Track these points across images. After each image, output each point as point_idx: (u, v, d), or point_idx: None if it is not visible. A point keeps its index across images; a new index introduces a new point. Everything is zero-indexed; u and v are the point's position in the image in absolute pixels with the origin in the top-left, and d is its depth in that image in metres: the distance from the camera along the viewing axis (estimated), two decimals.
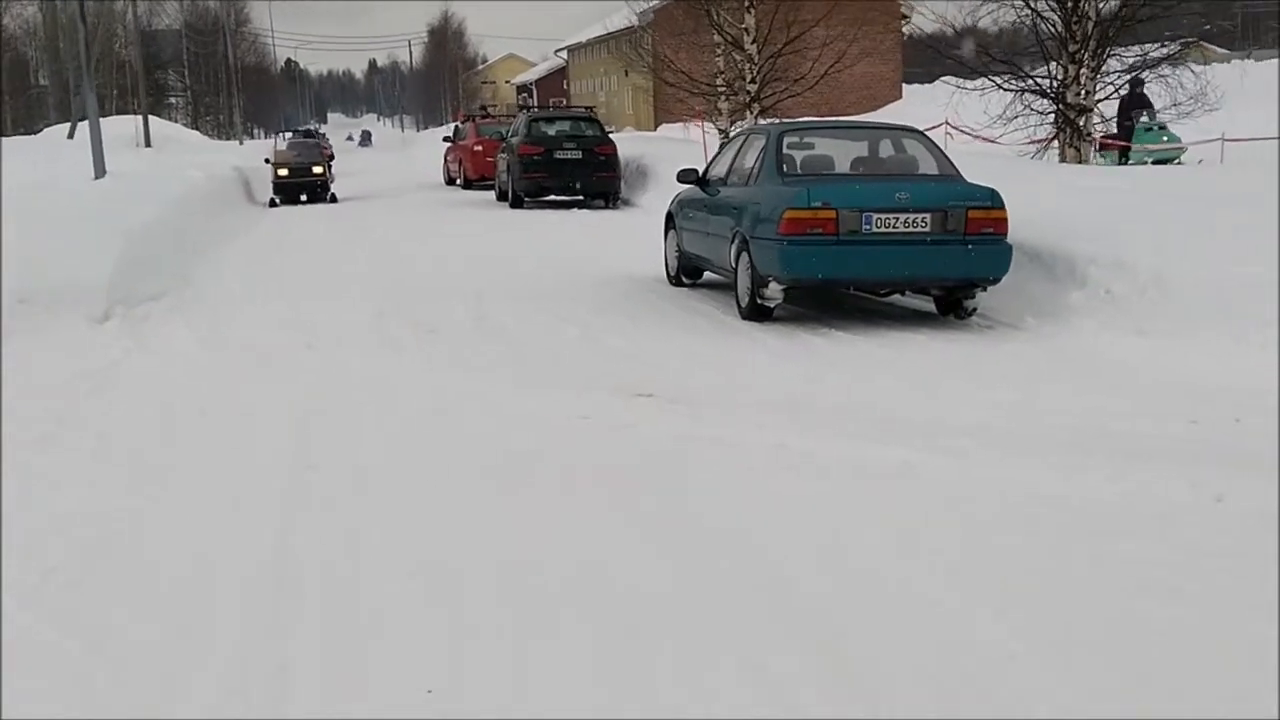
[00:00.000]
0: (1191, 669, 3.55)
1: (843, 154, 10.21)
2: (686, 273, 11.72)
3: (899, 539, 4.67)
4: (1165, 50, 18.58)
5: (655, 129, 46.74)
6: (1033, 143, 18.85)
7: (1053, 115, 18.28)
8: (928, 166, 9.85)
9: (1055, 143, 18.35)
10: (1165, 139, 19.56)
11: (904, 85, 57.46)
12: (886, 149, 10.36)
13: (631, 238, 15.85)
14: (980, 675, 3.53)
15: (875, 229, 8.97)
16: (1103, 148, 20.05)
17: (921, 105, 41.46)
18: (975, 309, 9.56)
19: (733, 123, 28.24)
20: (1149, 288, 8.85)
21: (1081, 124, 17.87)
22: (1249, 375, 7.41)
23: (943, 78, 53.14)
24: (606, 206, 21.38)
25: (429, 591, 4.16)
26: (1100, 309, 8.93)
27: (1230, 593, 4.11)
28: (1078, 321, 8.92)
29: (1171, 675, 3.51)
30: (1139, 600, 4.05)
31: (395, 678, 3.53)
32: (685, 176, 11.51)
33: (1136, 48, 18.74)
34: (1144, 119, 19.52)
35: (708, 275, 11.53)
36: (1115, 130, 19.75)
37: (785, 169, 9.77)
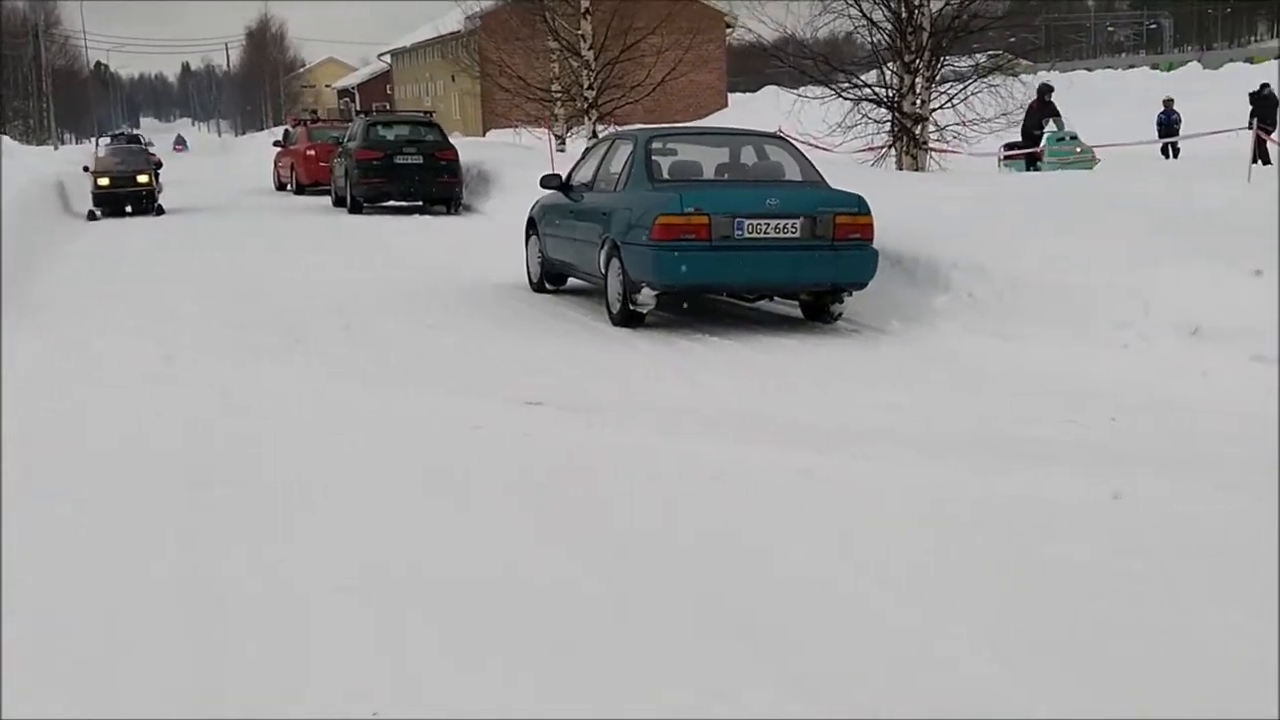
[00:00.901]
0: (1137, 664, 3.63)
1: (710, 160, 10.29)
2: (550, 279, 11.65)
3: (820, 543, 4.70)
4: (994, 61, 19.19)
5: (484, 134, 46.44)
6: (869, 150, 19.24)
7: (889, 124, 18.72)
8: (793, 172, 9.98)
9: (892, 150, 18.77)
10: (1079, 149, 20.01)
11: (729, 94, 58.28)
12: (751, 155, 10.46)
13: (482, 244, 15.73)
14: (923, 676, 3.55)
15: (747, 234, 9.05)
16: (1008, 157, 20.42)
17: (747, 113, 42.10)
18: (841, 314, 9.72)
19: (569, 129, 28.32)
20: (1006, 291, 9.10)
21: (917, 132, 18.34)
22: (1108, 375, 7.69)
23: (768, 86, 54.27)
24: (448, 212, 21.13)
25: (349, 610, 4.00)
26: (963, 312, 9.16)
27: (1152, 586, 4.23)
28: (942, 325, 9.14)
29: (1119, 673, 3.58)
30: (1070, 597, 4.14)
31: (333, 697, 3.40)
32: (548, 182, 11.44)
33: (969, 58, 19.29)
34: (1051, 128, 19.93)
35: (572, 281, 11.48)
36: (1020, 138, 20.09)
37: (655, 175, 9.79)
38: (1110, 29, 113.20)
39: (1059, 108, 21.01)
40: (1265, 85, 26.23)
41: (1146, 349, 7.96)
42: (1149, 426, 6.55)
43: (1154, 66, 58.27)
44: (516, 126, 30.16)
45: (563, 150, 24.99)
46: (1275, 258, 8.38)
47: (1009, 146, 21.02)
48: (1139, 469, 5.61)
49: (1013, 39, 23.55)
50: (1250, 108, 24.57)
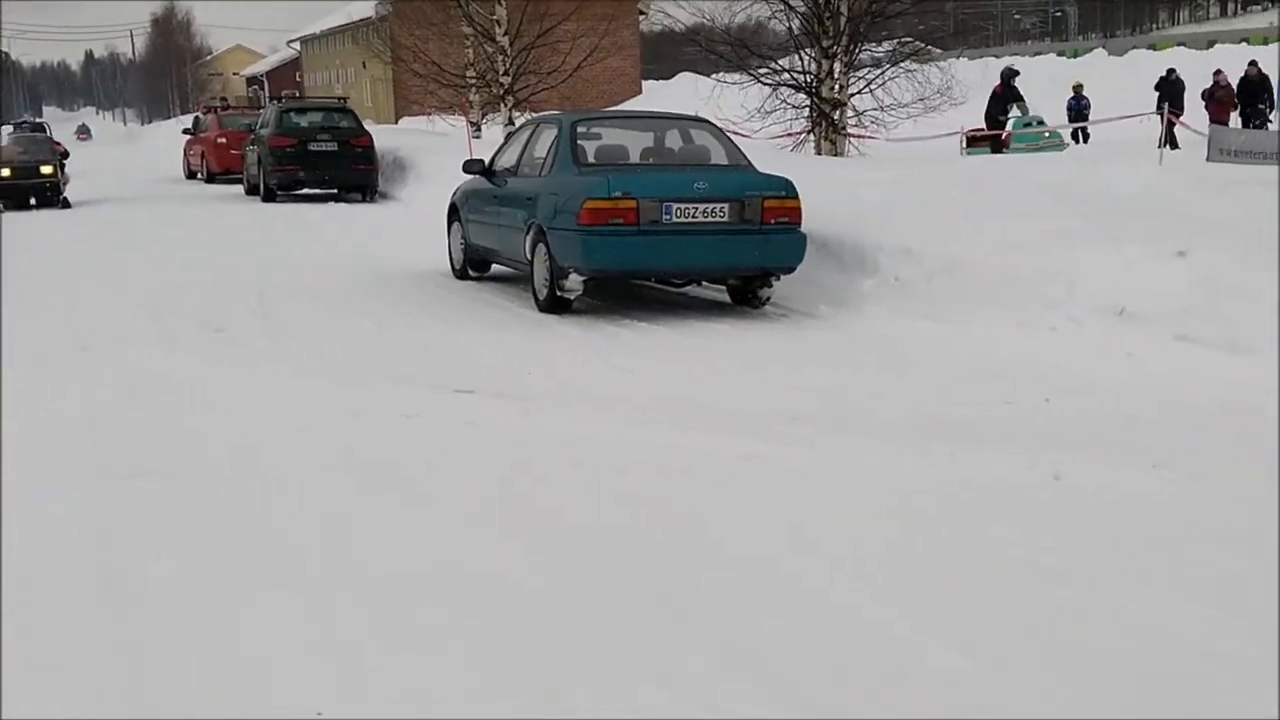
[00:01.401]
0: (1078, 646, 3.59)
1: (635, 144, 10.20)
2: (473, 265, 11.50)
3: (770, 529, 4.64)
4: (911, 47, 19.31)
5: (397, 121, 45.97)
6: (788, 135, 19.28)
7: (808, 109, 18.76)
8: (719, 156, 9.92)
9: (811, 136, 18.82)
10: (1046, 133, 19.94)
11: (644, 81, 58.23)
12: (677, 139, 10.39)
13: (401, 231, 15.53)
14: (881, 660, 3.50)
15: (675, 219, 8.97)
16: (970, 142, 20.32)
17: (663, 99, 42.05)
18: (769, 298, 9.69)
19: (484, 115, 28.08)
20: (936, 275, 9.13)
21: (836, 117, 18.40)
22: (1037, 357, 7.73)
23: (683, 73, 54.27)
24: (364, 200, 20.87)
25: (293, 607, 3.88)
26: (891, 295, 9.18)
27: (1099, 568, 4.21)
28: (870, 308, 9.14)
29: (1060, 653, 3.55)
30: (1022, 580, 4.10)
31: (277, 697, 3.27)
32: (471, 167, 11.28)
33: (887, 44, 19.39)
34: (1015, 113, 19.85)
35: (496, 268, 11.34)
36: (984, 123, 20.04)
37: (581, 159, 9.67)
38: (1017, 17, 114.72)
39: (1021, 92, 20.98)
40: (1172, 70, 26.70)
41: (1074, 331, 8.02)
42: (1082, 408, 6.57)
43: (1060, 53, 59.16)
44: (430, 113, 29.89)
45: (478, 137, 24.79)
46: (1196, 240, 8.49)
47: (974, 135, 20.88)
48: (1077, 451, 5.61)
49: (921, 26, 23.77)
50: (1158, 93, 25.02)
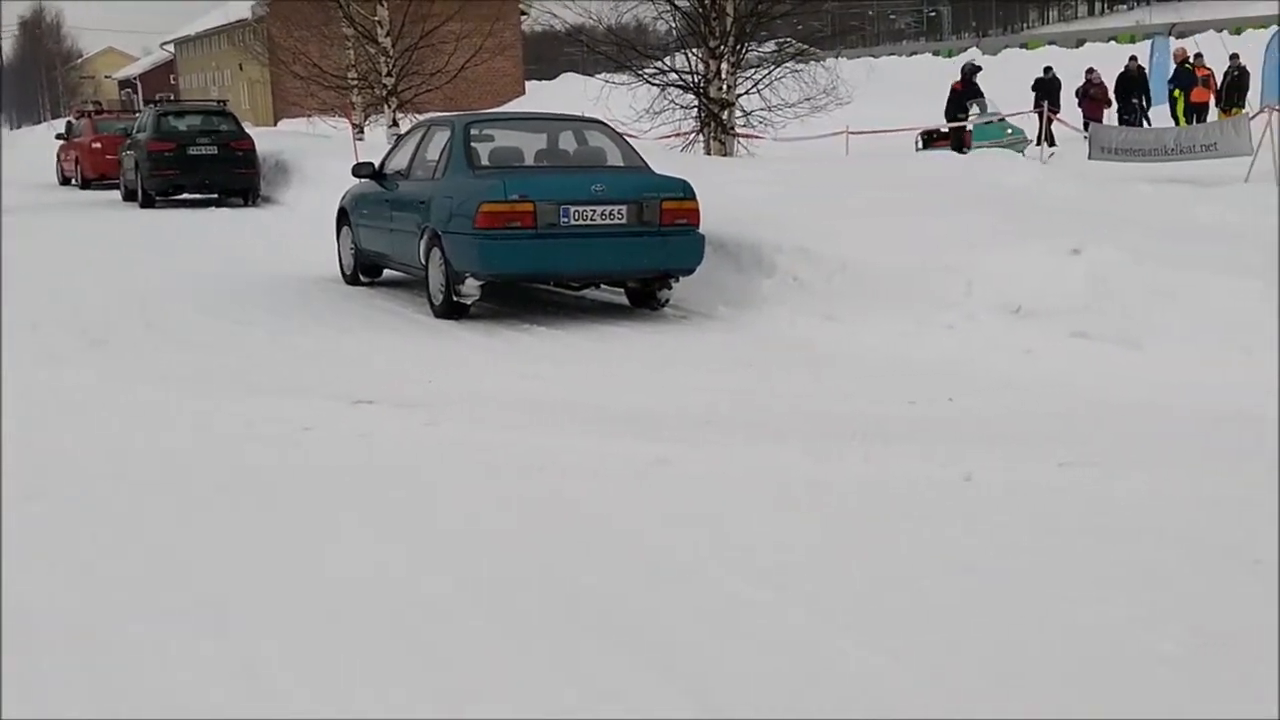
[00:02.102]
0: (1004, 647, 3.57)
1: (530, 146, 10.08)
2: (365, 271, 11.28)
3: (684, 533, 4.57)
4: (797, 47, 19.44)
5: (276, 124, 45.23)
6: (676, 135, 19.30)
7: (696, 109, 18.79)
8: (615, 158, 9.84)
9: (700, 136, 18.85)
10: (1009, 131, 19.52)
11: (526, 81, 58.04)
12: (572, 140, 10.29)
13: (287, 236, 15.22)
14: (799, 660, 3.46)
15: (573, 222, 8.88)
16: (929, 143, 19.70)
17: (547, 100, 41.91)
18: (668, 300, 9.65)
19: (367, 117, 27.70)
20: (835, 275, 9.14)
21: (724, 118, 18.45)
22: (937, 355, 7.79)
23: (566, 73, 54.20)
24: (246, 204, 20.43)
25: (196, 626, 3.70)
26: (790, 296, 9.17)
27: (1019, 566, 4.21)
28: (769, 309, 9.13)
29: (987, 654, 3.52)
30: (941, 579, 4.09)
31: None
32: (360, 170, 11.05)
33: (772, 44, 19.50)
34: (974, 110, 19.42)
35: (388, 273, 11.13)
36: (945, 123, 19.68)
37: (475, 161, 9.52)
38: (892, 17, 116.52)
39: (982, 88, 20.61)
40: (1049, 69, 27.24)
41: (972, 329, 8.08)
42: (985, 406, 6.61)
43: (935, 53, 60.16)
44: (310, 115, 29.42)
45: (361, 139, 24.44)
46: (1088, 237, 8.62)
47: (929, 133, 20.21)
48: (984, 449, 5.63)
49: (800, 26, 23.99)
50: (1035, 92, 25.49)
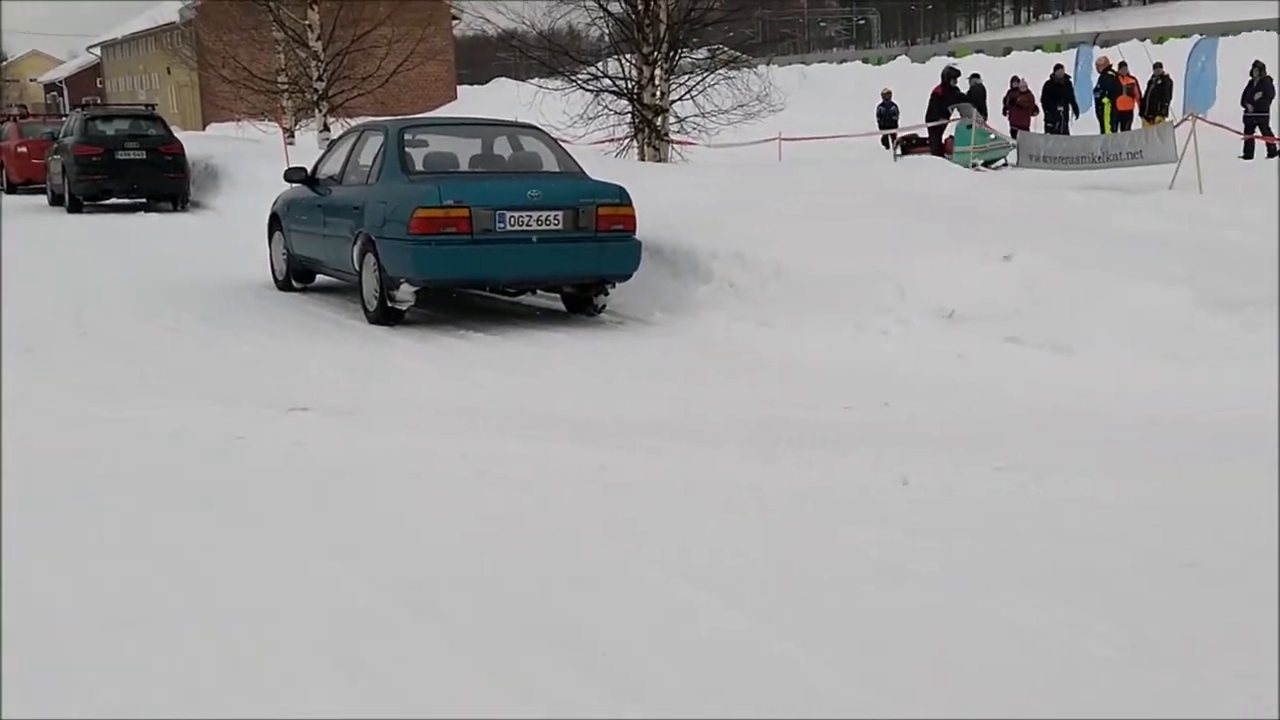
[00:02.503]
0: (942, 650, 3.59)
1: (464, 151, 10.02)
2: (297, 276, 11.17)
3: (625, 539, 4.55)
4: (730, 54, 19.49)
5: (204, 128, 44.68)
6: (610, 141, 19.29)
7: (630, 115, 18.78)
8: (550, 163, 9.82)
9: (634, 142, 18.84)
10: (992, 137, 19.14)
11: (459, 86, 57.80)
12: (506, 146, 10.26)
13: (218, 241, 15.04)
14: (745, 668, 3.45)
15: (509, 227, 8.85)
16: (907, 149, 19.16)
17: (479, 105, 41.82)
18: (605, 306, 9.64)
19: (297, 121, 27.44)
20: (770, 280, 9.19)
21: (658, 124, 18.46)
22: (872, 360, 7.85)
23: (497, 78, 54.07)
24: (176, 209, 20.16)
25: (120, 636, 3.63)
26: (726, 301, 9.20)
27: (957, 570, 4.24)
28: (706, 315, 9.15)
29: (924, 658, 3.54)
30: (872, 582, 4.11)
31: None
32: (293, 175, 10.95)
33: (705, 50, 19.54)
34: (955, 114, 19.06)
35: (321, 278, 11.03)
36: (926, 130, 19.27)
37: (409, 166, 9.46)
38: (823, 24, 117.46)
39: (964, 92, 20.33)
40: (975, 76, 27.56)
41: (906, 334, 8.15)
42: (920, 411, 6.67)
43: (865, 60, 60.67)
44: (240, 119, 29.09)
45: (291, 143, 24.22)
46: (1019, 243, 8.73)
47: (909, 139, 19.73)
48: (920, 453, 5.68)
49: (731, 33, 24.05)
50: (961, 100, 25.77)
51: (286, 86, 27.00)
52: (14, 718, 3.09)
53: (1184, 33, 45.27)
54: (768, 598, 3.98)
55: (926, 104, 21.19)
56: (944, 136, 19.71)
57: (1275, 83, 22.07)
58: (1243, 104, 21.97)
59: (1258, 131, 20.89)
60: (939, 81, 20.68)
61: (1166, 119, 21.43)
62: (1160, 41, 42.43)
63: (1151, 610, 3.85)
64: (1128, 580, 4.11)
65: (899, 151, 19.87)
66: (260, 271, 11.67)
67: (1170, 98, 23.69)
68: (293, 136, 26.25)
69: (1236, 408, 6.41)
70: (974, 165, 18.66)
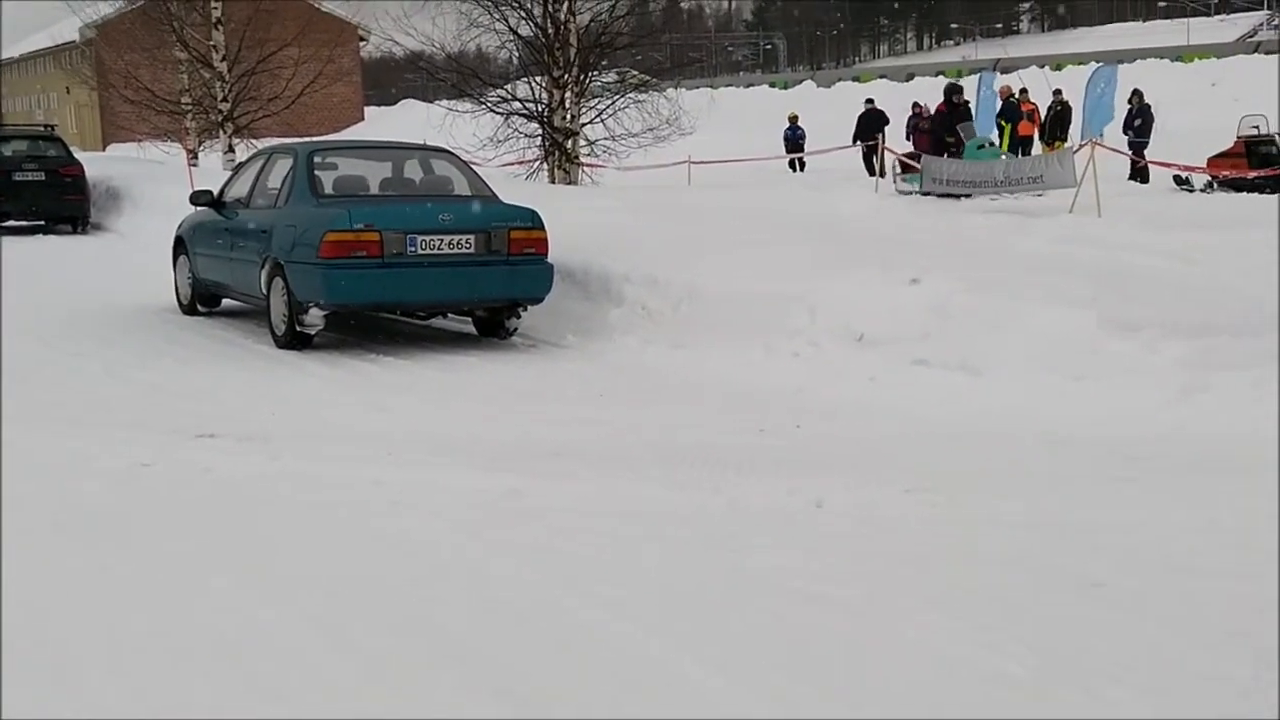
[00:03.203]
0: (856, 673, 3.61)
1: (375, 174, 9.96)
2: (203, 300, 11.01)
3: (538, 566, 4.52)
4: (639, 78, 19.62)
5: (104, 149, 43.91)
6: (520, 163, 19.30)
7: (540, 138, 18.82)
8: (462, 187, 9.80)
9: (544, 164, 18.88)
10: (1003, 156, 18.56)
11: (365, 107, 57.44)
12: (418, 169, 10.21)
13: (120, 265, 14.78)
14: (660, 692, 3.44)
15: (420, 251, 8.80)
16: (907, 168, 18.23)
17: (387, 126, 41.61)
18: (517, 329, 9.62)
19: (201, 143, 27.08)
20: (682, 303, 9.25)
21: (569, 146, 18.51)
22: (784, 382, 7.91)
23: (405, 99, 53.84)
24: (75, 232, 19.77)
25: (21, 668, 3.53)
26: (639, 325, 9.24)
27: (870, 594, 4.27)
28: (619, 338, 9.18)
29: (839, 681, 3.55)
30: (787, 607, 4.12)
31: None
32: (199, 198, 10.80)
33: (614, 74, 19.65)
34: (961, 132, 18.46)
35: (227, 303, 10.88)
36: (930, 146, 18.36)
37: (319, 190, 9.38)
38: (730, 49, 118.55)
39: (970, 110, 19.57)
40: (869, 101, 27.95)
41: (816, 356, 8.24)
42: (832, 433, 6.74)
43: (772, 85, 61.35)
44: (141, 140, 28.63)
45: (195, 165, 23.88)
46: (926, 267, 8.86)
47: (908, 159, 18.85)
48: (833, 476, 5.71)
49: (639, 57, 24.21)
50: (860, 125, 26.11)
51: (190, 107, 26.66)
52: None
53: (1081, 60, 46.39)
54: (683, 622, 3.97)
55: (930, 122, 20.42)
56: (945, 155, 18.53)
57: (1153, 109, 22.70)
58: (1124, 131, 22.60)
59: (1148, 156, 21.39)
60: (941, 99, 20.08)
61: (1066, 145, 21.89)
62: (1059, 68, 43.42)
63: (1060, 630, 3.90)
64: (1037, 601, 4.17)
65: (898, 170, 18.86)
66: (165, 295, 11.48)
67: (1070, 123, 24.22)
68: (196, 158, 25.89)
69: (1138, 427, 6.56)
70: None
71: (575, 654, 3.71)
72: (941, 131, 18.43)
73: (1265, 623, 3.87)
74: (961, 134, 18.57)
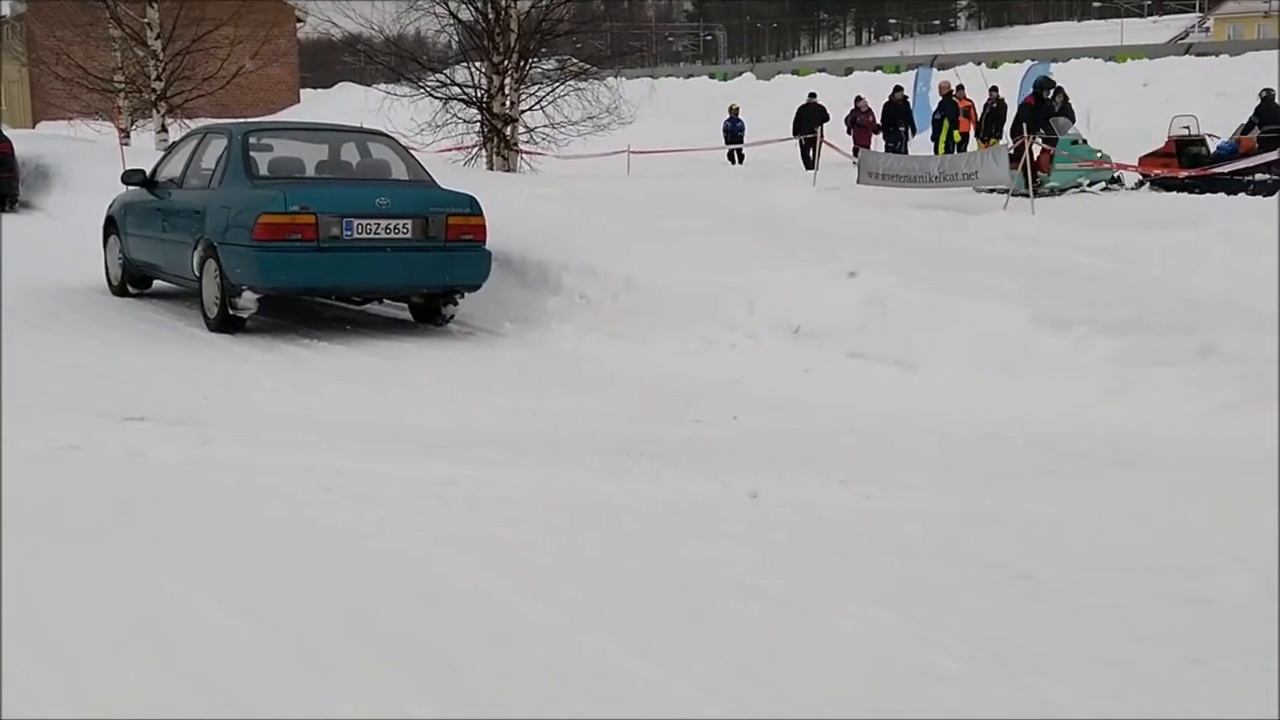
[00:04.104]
0: (789, 666, 3.62)
1: (311, 156, 9.85)
2: (134, 281, 10.84)
3: (471, 556, 4.49)
4: (580, 66, 19.56)
5: (34, 126, 43.12)
6: (458, 149, 19.19)
7: (479, 124, 18.72)
8: (400, 171, 9.72)
9: (483, 151, 18.78)
10: (1099, 155, 17.52)
11: (301, 89, 56.75)
12: (355, 153, 10.11)
13: (49, 243, 14.50)
14: (596, 685, 3.44)
15: (357, 235, 8.72)
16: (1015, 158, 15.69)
17: (323, 109, 41.17)
18: (453, 316, 9.56)
19: (133, 122, 26.67)
20: (621, 293, 9.22)
21: (508, 133, 18.42)
22: (721, 373, 7.93)
23: (342, 82, 53.26)
24: (3, 210, 19.37)
25: None
26: (577, 314, 9.21)
27: (805, 586, 4.29)
28: (556, 326, 9.14)
29: (774, 673, 3.57)
30: (724, 599, 4.13)
31: None
32: (130, 178, 10.63)
33: (555, 60, 19.58)
34: (1070, 130, 17.53)
35: (158, 284, 10.72)
36: (1010, 138, 17.43)
37: (254, 171, 9.26)
38: (670, 39, 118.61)
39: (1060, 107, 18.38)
40: (813, 94, 28.04)
41: (754, 348, 8.26)
42: (768, 425, 6.76)
43: (712, 75, 61.36)
44: (72, 118, 28.16)
45: (127, 144, 23.53)
46: (862, 260, 8.91)
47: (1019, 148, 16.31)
48: (768, 468, 5.74)
49: (579, 45, 24.16)
50: (799, 119, 26.20)
51: (123, 86, 26.24)
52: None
53: (1016, 58, 46.80)
54: (619, 614, 3.97)
55: (1014, 115, 19.28)
56: (1039, 151, 16.88)
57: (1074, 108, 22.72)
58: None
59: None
60: (1029, 92, 19.06)
61: (1001, 141, 22.08)
62: (994, 66, 43.76)
63: (991, 622, 3.94)
64: (969, 592, 4.21)
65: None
66: (95, 276, 11.30)
67: (1005, 121, 24.42)
68: (128, 137, 25.51)
69: (1070, 422, 6.64)
70: (1078, 185, 17.24)
71: (510, 644, 3.69)
72: (1034, 124, 16.62)
73: (1193, 617, 3.94)
74: (1055, 128, 17.55)
